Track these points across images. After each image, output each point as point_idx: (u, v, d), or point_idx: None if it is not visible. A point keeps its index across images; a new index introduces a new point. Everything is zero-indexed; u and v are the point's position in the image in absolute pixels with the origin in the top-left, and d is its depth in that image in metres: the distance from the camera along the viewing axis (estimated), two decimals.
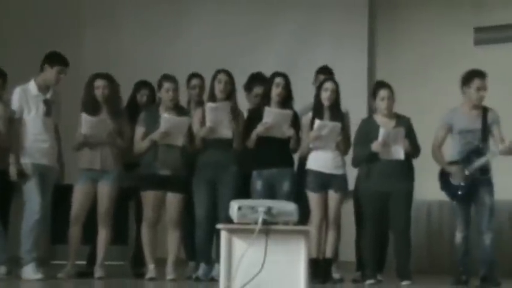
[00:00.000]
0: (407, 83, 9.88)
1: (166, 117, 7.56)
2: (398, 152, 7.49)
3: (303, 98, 7.99)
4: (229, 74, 7.67)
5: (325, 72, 8.21)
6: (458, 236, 7.50)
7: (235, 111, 7.64)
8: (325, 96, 7.59)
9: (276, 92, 7.57)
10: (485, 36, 10.11)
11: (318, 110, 7.62)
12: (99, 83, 7.73)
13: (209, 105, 7.56)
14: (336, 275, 7.67)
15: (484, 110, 7.53)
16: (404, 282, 7.41)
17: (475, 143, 7.45)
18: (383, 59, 10.58)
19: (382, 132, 7.44)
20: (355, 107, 8.45)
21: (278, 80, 7.59)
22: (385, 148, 7.46)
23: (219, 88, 7.61)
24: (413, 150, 7.57)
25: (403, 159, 7.48)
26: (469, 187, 7.42)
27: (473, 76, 7.51)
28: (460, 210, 7.49)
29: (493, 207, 7.40)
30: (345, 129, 7.63)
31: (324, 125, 7.50)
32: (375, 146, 7.45)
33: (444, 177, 7.55)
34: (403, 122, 7.63)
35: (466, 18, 10.23)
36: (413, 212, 7.82)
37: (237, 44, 10.23)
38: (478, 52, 9.98)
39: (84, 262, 7.98)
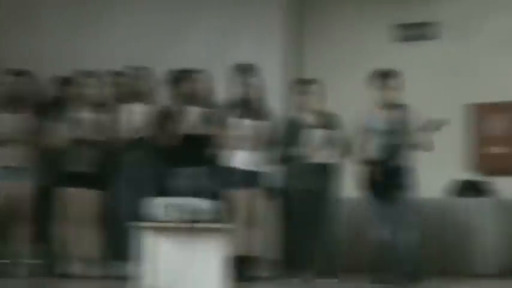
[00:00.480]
0: (329, 80, 9.87)
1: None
2: (331, 156, 7.57)
3: (226, 94, 7.96)
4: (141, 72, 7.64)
5: (244, 69, 8.20)
6: (380, 235, 7.55)
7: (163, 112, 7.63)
8: (246, 92, 7.57)
9: (194, 88, 7.54)
10: (405, 34, 10.29)
11: (238, 107, 7.60)
12: (10, 79, 7.62)
13: (136, 107, 7.52)
14: (260, 273, 7.67)
15: (399, 108, 7.59)
16: (330, 280, 7.50)
17: (392, 141, 7.49)
18: (296, 57, 10.59)
19: (315, 135, 7.47)
20: (274, 104, 8.41)
21: (196, 76, 7.59)
22: (317, 151, 7.52)
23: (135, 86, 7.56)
24: (344, 150, 7.68)
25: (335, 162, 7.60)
26: (389, 186, 7.47)
27: (383, 75, 7.59)
28: (381, 208, 7.54)
29: (414, 205, 7.48)
30: (267, 127, 7.61)
31: (247, 125, 7.47)
32: (310, 151, 7.49)
33: (367, 176, 7.58)
34: (333, 120, 7.69)
35: (385, 15, 10.36)
36: (339, 210, 7.90)
37: (160, 41, 10.20)
38: (398, 49, 10.14)
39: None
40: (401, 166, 7.48)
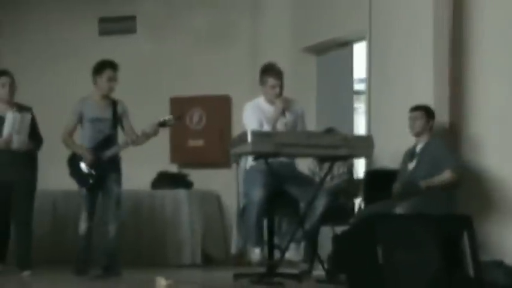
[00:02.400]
0: (35, 73, 9.94)
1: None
2: (21, 142, 7.44)
3: None
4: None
5: None
6: (82, 226, 7.52)
7: None
8: None
9: None
10: (109, 27, 10.42)
11: None
12: None
13: None
14: None
15: (114, 101, 7.62)
16: (25, 273, 7.43)
17: (106, 131, 7.50)
18: (6, 47, 10.44)
19: (8, 125, 7.38)
20: None
21: None
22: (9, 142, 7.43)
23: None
24: (37, 141, 7.61)
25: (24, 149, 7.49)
26: (98, 176, 7.44)
27: (104, 67, 7.54)
28: (86, 199, 7.51)
29: (120, 197, 7.51)
30: None
31: None
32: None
33: (74, 164, 7.52)
34: (26, 110, 7.57)
35: (90, 9, 10.42)
36: (38, 202, 7.79)
37: None
38: (103, 42, 10.22)
39: None
40: (112, 158, 7.48)
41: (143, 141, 7.50)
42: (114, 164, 7.51)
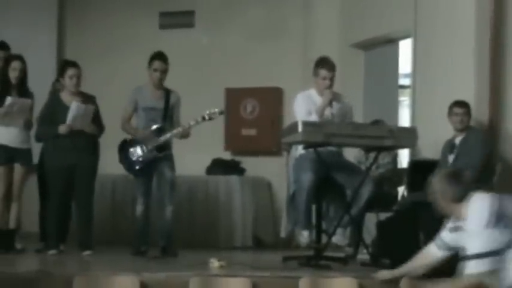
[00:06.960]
0: (98, 63, 10.17)
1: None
2: (84, 127, 7.64)
3: None
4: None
5: (6, 49, 8.23)
6: (139, 209, 7.77)
7: None
8: (14, 75, 7.66)
9: None
10: (169, 21, 10.69)
11: (4, 88, 7.66)
12: None
13: None
14: (18, 245, 7.74)
15: (167, 91, 7.85)
16: (86, 253, 7.63)
17: (158, 121, 7.74)
18: (73, 39, 10.80)
19: (72, 113, 7.58)
20: (42, 84, 8.53)
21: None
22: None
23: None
24: (99, 128, 7.82)
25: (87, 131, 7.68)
26: (148, 162, 7.70)
27: (153, 58, 7.77)
28: (141, 183, 7.78)
29: (173, 181, 7.75)
30: (29, 105, 7.72)
31: (14, 103, 7.57)
32: (63, 129, 7.59)
33: (124, 150, 7.80)
34: (91, 100, 7.78)
35: (152, 4, 10.71)
36: (98, 185, 8.06)
37: None
38: (163, 35, 10.48)
39: None
40: (163, 144, 7.72)
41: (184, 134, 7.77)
42: (165, 150, 7.74)
